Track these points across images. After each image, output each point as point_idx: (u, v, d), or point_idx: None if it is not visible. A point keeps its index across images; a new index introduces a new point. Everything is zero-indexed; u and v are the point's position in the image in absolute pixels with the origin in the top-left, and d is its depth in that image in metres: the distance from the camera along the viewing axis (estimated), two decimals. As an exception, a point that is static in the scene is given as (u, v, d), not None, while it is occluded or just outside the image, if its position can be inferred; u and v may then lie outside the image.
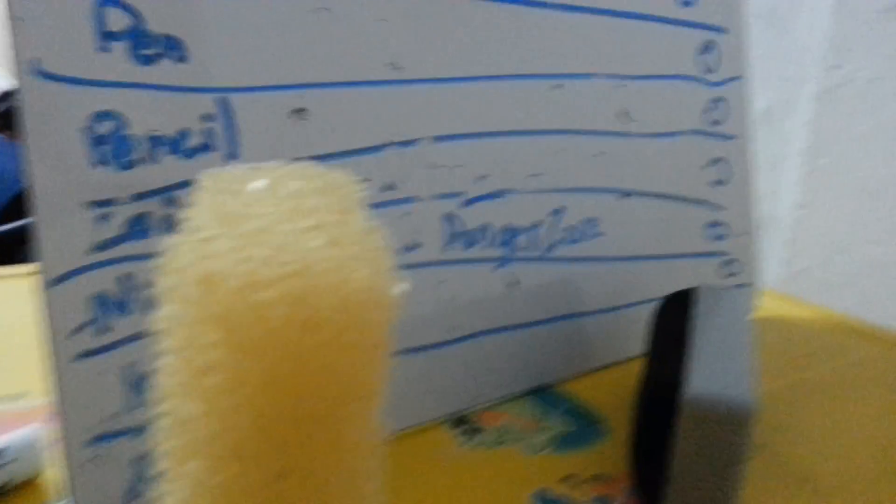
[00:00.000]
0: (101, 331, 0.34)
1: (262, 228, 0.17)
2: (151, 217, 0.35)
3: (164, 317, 0.17)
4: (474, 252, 0.46)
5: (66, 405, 0.33)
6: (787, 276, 0.69)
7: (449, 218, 0.45)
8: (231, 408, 0.16)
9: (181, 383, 0.16)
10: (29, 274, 0.62)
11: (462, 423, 0.44)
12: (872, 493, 0.38)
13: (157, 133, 0.35)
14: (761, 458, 0.41)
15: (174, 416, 0.17)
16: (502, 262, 0.47)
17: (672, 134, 0.54)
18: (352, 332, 0.17)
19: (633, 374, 0.50)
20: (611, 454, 0.41)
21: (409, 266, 0.44)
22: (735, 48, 0.57)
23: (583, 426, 0.44)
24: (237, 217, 0.17)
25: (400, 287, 0.17)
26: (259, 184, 0.19)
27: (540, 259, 0.49)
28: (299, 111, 0.39)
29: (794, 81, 0.73)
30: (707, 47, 0.56)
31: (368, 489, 0.18)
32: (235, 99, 0.37)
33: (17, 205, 1.14)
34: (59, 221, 0.33)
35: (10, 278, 0.62)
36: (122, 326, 0.34)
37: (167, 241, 0.17)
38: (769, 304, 0.61)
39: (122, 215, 0.34)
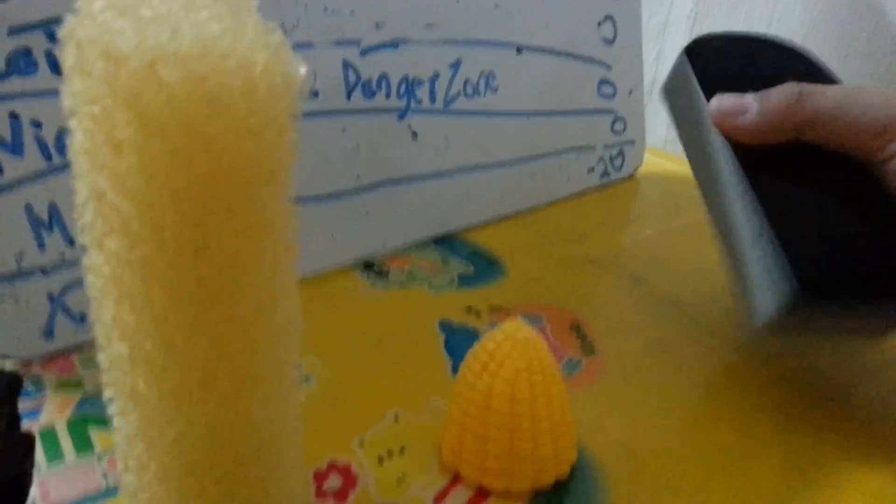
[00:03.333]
0: (-7, 171, 0.33)
1: (158, 17, 0.17)
2: (34, 53, 0.33)
3: (71, 91, 0.17)
4: (376, 102, 0.46)
5: (-36, 246, 0.32)
6: (670, 136, 0.74)
7: (347, 66, 0.45)
8: (145, 187, 0.17)
9: (94, 161, 0.17)
10: None
11: (369, 267, 0.46)
12: (732, 314, 0.43)
13: (31, -38, 0.33)
14: (640, 289, 0.46)
15: (89, 192, 0.17)
16: (403, 113, 0.48)
17: (566, -10, 0.55)
18: (257, 117, 0.18)
19: (529, 223, 0.54)
20: (507, 290, 0.45)
21: (311, 114, 0.44)
22: None
23: (482, 267, 0.47)
24: (132, 6, 0.17)
25: (301, 70, 0.18)
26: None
27: (440, 112, 0.50)
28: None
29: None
30: None
31: (284, 265, 0.19)
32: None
33: None
34: (-70, 55, 0.31)
35: None
36: (17, 167, 0.33)
37: (67, 17, 0.17)
38: (652, 161, 0.65)
39: (2, 50, 0.32)
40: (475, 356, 0.30)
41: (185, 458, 0.19)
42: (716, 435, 0.34)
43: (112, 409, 0.20)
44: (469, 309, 0.42)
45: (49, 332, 0.35)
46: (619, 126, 0.61)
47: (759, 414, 0.35)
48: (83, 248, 0.18)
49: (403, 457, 0.31)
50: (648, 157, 0.64)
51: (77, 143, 0.17)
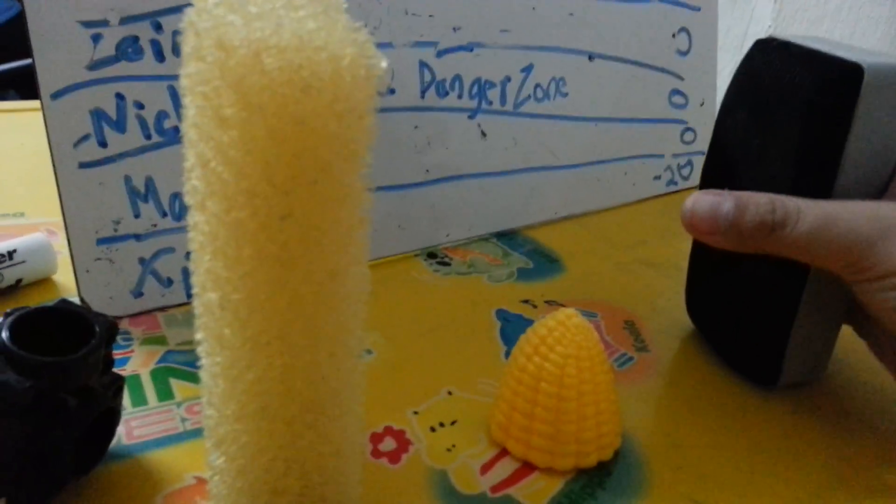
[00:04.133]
0: (100, 144, 0.36)
1: (263, 13, 0.20)
2: (141, 40, 0.37)
3: (187, 74, 0.19)
4: (448, 101, 0.48)
5: (72, 208, 0.36)
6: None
7: (423, 65, 0.47)
8: (243, 158, 0.20)
9: (202, 133, 0.19)
10: (22, 109, 0.63)
11: (433, 256, 0.48)
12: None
13: (146, -41, 0.36)
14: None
15: (197, 160, 0.20)
16: (474, 112, 0.50)
17: (641, 0, 0.56)
18: (342, 102, 0.20)
19: (591, 225, 0.55)
20: (564, 286, 0.46)
21: (386, 109, 0.46)
22: (709, -80, 0.58)
23: (541, 264, 0.49)
24: (242, 4, 0.20)
25: (382, 64, 0.20)
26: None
27: (509, 113, 0.52)
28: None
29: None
30: (681, -83, 0.57)
31: (357, 235, 0.21)
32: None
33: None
34: (54, 38, 0.35)
35: (3, 113, 0.63)
36: (120, 142, 0.37)
37: (189, 11, 0.19)
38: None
39: (113, 36, 0.36)
40: (527, 340, 0.32)
41: (260, 399, 0.22)
42: (762, 436, 0.34)
43: (200, 351, 0.22)
44: (526, 301, 0.44)
45: (138, 293, 0.39)
46: (688, 136, 0.62)
47: (806, 418, 0.35)
48: (186, 208, 0.21)
49: (454, 428, 0.33)
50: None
51: (189, 117, 0.20)
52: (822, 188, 0.33)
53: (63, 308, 0.27)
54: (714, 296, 0.41)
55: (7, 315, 0.26)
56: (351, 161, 0.21)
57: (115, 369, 0.29)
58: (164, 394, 0.33)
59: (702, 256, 0.41)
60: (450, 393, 0.35)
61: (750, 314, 0.38)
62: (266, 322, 0.21)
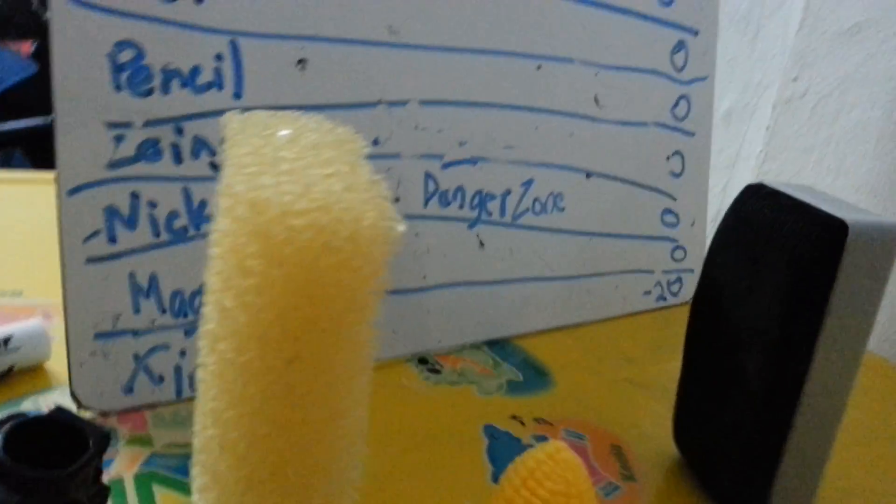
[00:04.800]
0: (110, 241, 0.37)
1: (294, 170, 0.21)
2: (162, 142, 0.38)
3: (217, 229, 0.20)
4: (449, 211, 0.50)
5: (75, 302, 0.36)
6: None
7: (429, 177, 0.49)
8: (259, 304, 0.20)
9: (223, 280, 0.20)
10: (26, 181, 0.64)
11: (424, 362, 0.49)
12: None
13: (172, 66, 0.38)
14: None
15: (214, 306, 0.21)
16: (473, 223, 0.51)
17: (639, 124, 0.59)
18: (359, 259, 0.21)
19: (582, 337, 0.56)
20: (553, 402, 0.46)
21: (390, 216, 0.48)
22: (704, 50, 0.62)
23: (532, 376, 0.49)
24: (273, 159, 0.21)
25: (400, 228, 0.21)
26: (285, 132, 0.23)
27: (508, 224, 0.53)
28: (301, 61, 0.42)
29: (758, 87, 0.78)
30: (679, 46, 0.60)
31: (360, 380, 0.22)
32: (244, 43, 0.40)
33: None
34: (78, 137, 0.36)
35: (6, 183, 0.64)
36: (129, 239, 0.38)
37: (223, 174, 0.20)
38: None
39: (135, 138, 0.37)
40: (516, 471, 0.32)
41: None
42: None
43: (195, 485, 0.22)
44: (514, 417, 0.44)
45: (129, 389, 0.38)
46: (679, 254, 0.63)
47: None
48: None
49: (436, 560, 0.32)
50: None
51: (214, 266, 0.21)
52: (809, 332, 0.34)
53: (59, 418, 0.27)
54: (701, 426, 0.41)
55: (1, 423, 0.26)
56: (361, 310, 0.22)
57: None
58: (147, 502, 0.32)
59: (691, 383, 0.42)
60: (434, 516, 0.35)
61: (737, 448, 0.38)
62: (262, 460, 0.21)
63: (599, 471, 0.41)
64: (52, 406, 0.28)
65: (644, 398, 0.49)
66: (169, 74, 0.38)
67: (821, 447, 0.36)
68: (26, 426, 0.26)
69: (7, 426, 0.26)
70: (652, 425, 0.46)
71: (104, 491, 0.28)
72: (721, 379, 0.39)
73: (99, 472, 0.28)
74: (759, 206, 0.37)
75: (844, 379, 0.36)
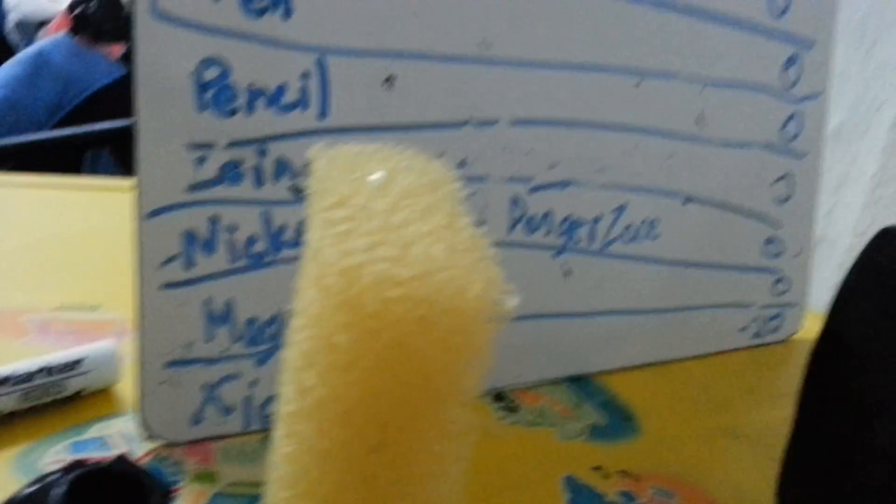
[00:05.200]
0: (187, 265, 0.36)
1: (389, 227, 0.18)
2: (244, 164, 0.36)
3: (303, 299, 0.18)
4: (535, 238, 0.47)
5: (148, 329, 0.35)
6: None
7: (515, 201, 0.46)
8: (344, 383, 0.18)
9: (307, 356, 0.18)
10: (103, 188, 0.64)
11: (501, 399, 0.46)
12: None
13: (257, 85, 0.36)
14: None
15: (296, 384, 0.18)
16: (560, 250, 0.48)
17: (744, 145, 0.54)
18: (460, 336, 0.18)
19: (670, 376, 0.52)
20: (640, 452, 0.43)
21: (473, 243, 0.45)
22: (819, 64, 0.56)
23: (616, 420, 0.46)
24: (365, 211, 0.19)
25: (513, 302, 0.18)
26: (376, 177, 0.21)
27: (597, 253, 0.50)
28: (388, 79, 0.40)
29: (872, 103, 0.72)
30: (791, 60, 0.55)
31: (454, 472, 0.19)
32: (332, 60, 0.38)
33: (87, 108, 1.18)
34: (160, 158, 0.34)
35: (84, 190, 0.65)
36: (207, 264, 0.36)
37: (309, 233, 0.18)
38: (814, 327, 0.61)
39: (217, 160, 0.36)
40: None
41: None
42: None
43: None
44: (597, 468, 0.41)
45: (198, 419, 0.37)
46: (781, 287, 0.58)
47: None
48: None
49: None
50: (809, 322, 0.60)
51: (297, 342, 0.18)
52: None
53: (121, 470, 0.25)
54: (816, 490, 0.36)
55: (67, 471, 0.25)
56: (459, 395, 0.19)
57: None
58: (211, 551, 0.31)
59: (804, 445, 0.38)
60: (512, 586, 0.32)
61: None
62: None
63: (693, 538, 0.37)
64: (119, 436, 0.26)
65: (741, 451, 0.45)
66: (254, 93, 0.37)
67: None
68: (89, 476, 0.25)
69: (71, 476, 0.25)
70: (751, 483, 0.42)
71: (168, 546, 0.26)
72: (844, 448, 0.34)
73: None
74: None
75: None
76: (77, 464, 0.25)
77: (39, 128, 1.18)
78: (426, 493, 0.19)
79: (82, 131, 1.08)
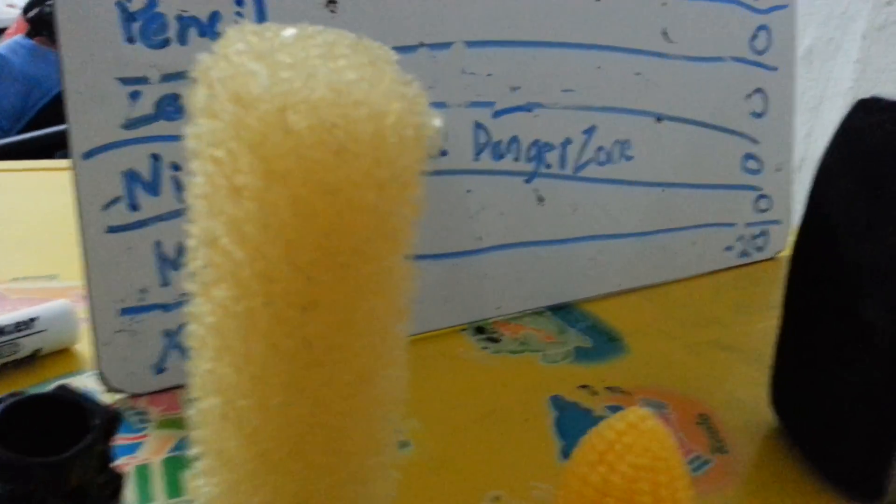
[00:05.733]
0: (132, 207, 0.34)
1: (296, 61, 0.16)
2: (181, 99, 0.35)
3: (196, 133, 0.16)
4: (503, 164, 0.45)
5: (96, 276, 0.33)
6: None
7: (479, 127, 0.44)
8: (260, 235, 0.16)
9: (211, 205, 0.16)
10: (65, 168, 0.63)
11: (482, 331, 0.44)
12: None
13: (188, 13, 0.35)
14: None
15: (202, 237, 0.17)
16: (531, 176, 0.46)
17: (713, 59, 0.52)
18: (384, 168, 0.16)
19: (656, 299, 0.50)
20: (627, 370, 0.41)
21: (438, 173, 0.43)
22: (783, -26, 0.55)
23: (602, 342, 0.44)
24: (270, 51, 0.17)
25: (435, 122, 0.16)
26: (291, 30, 0.19)
27: (569, 177, 0.48)
28: (331, 2, 0.38)
29: (842, 18, 0.70)
30: (754, -29, 0.54)
31: (395, 331, 0.18)
32: (268, -14, 0.36)
33: (53, 110, 1.15)
34: (91, 95, 0.33)
35: (47, 171, 0.63)
36: (152, 205, 0.34)
37: (202, 56, 0.16)
38: (799, 243, 0.59)
39: (152, 95, 0.34)
40: (591, 445, 0.27)
41: (268, 529, 0.18)
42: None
43: (198, 467, 0.19)
44: (584, 386, 0.39)
45: (161, 368, 0.35)
46: (763, 204, 0.57)
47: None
48: (189, 296, 0.17)
49: (502, 549, 0.28)
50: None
51: (196, 187, 0.17)
52: None
53: (59, 396, 0.24)
54: (806, 390, 0.35)
55: (1, 400, 0.23)
56: (392, 239, 0.17)
57: (127, 456, 0.25)
58: (174, 490, 0.29)
59: (792, 341, 0.36)
60: (498, 499, 0.30)
61: (849, 416, 0.32)
62: (278, 435, 0.17)
63: (686, 442, 0.35)
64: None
65: (733, 361, 0.43)
66: (185, 22, 0.35)
67: None
68: (24, 406, 0.23)
69: (8, 403, 0.23)
70: (744, 390, 0.40)
71: (117, 478, 0.25)
72: (833, 334, 0.33)
73: (109, 456, 0.25)
74: (877, 121, 0.31)
75: None
76: (15, 394, 0.23)
77: (5, 135, 1.17)
78: (368, 355, 0.18)
79: (51, 131, 1.06)
